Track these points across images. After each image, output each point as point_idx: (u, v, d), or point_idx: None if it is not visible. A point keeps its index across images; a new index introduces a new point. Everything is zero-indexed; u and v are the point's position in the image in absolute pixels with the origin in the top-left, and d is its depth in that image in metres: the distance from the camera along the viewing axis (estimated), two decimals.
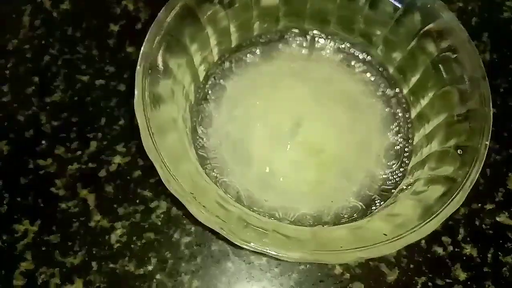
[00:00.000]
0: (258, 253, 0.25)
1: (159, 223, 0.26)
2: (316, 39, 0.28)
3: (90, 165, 0.27)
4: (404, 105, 0.26)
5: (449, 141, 0.21)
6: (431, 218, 0.18)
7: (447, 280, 0.25)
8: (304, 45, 0.28)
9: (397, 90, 0.27)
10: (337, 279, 0.25)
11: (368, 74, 0.28)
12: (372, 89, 0.27)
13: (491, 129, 0.20)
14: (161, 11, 0.22)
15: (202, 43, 0.25)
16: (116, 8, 0.31)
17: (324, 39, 0.28)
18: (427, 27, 0.23)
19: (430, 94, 0.24)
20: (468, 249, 0.26)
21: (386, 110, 0.27)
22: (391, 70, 0.27)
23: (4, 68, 0.29)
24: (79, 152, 0.27)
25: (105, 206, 0.26)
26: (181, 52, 0.23)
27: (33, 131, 0.28)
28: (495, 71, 0.30)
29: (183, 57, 0.24)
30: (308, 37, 0.28)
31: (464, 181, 0.19)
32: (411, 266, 0.25)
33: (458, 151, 0.21)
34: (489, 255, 0.26)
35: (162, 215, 0.26)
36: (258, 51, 0.28)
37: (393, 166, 0.25)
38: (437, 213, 0.19)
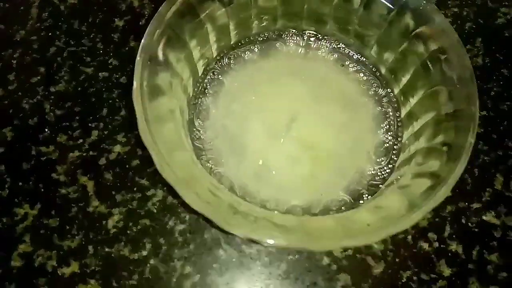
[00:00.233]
0: (249, 242, 0.26)
1: (155, 211, 0.26)
2: (313, 39, 0.29)
3: (90, 153, 0.28)
4: (395, 105, 0.27)
5: (436, 138, 0.22)
6: (414, 210, 0.19)
7: (432, 275, 0.26)
8: (301, 44, 0.29)
9: (389, 90, 0.28)
10: (324, 270, 0.25)
11: (362, 74, 0.28)
12: (365, 88, 0.28)
13: (476, 128, 0.21)
14: (162, 6, 0.23)
15: (202, 39, 0.26)
16: (122, 4, 0.33)
17: (320, 39, 0.29)
18: (418, 29, 0.24)
19: (420, 94, 0.25)
20: (454, 246, 0.26)
21: (377, 109, 0.27)
22: (383, 70, 0.28)
23: (11, 58, 0.30)
24: (80, 141, 0.28)
25: (104, 192, 0.27)
26: (181, 46, 0.24)
27: (37, 119, 0.29)
28: (487, 75, 0.31)
29: (183, 51, 0.25)
30: (305, 37, 0.29)
31: (448, 177, 0.20)
32: (397, 260, 0.26)
33: (444, 148, 0.21)
34: (474, 253, 0.26)
35: (158, 203, 0.27)
36: (256, 49, 0.29)
37: (382, 163, 0.26)
38: (421, 206, 0.19)
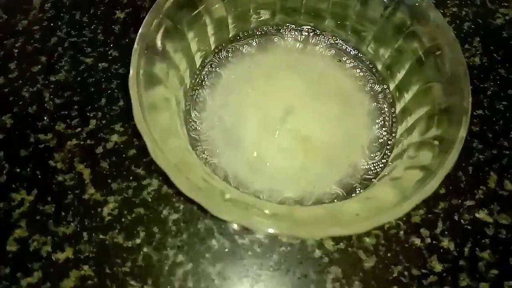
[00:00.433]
0: (241, 233, 0.26)
1: (150, 200, 0.27)
2: (311, 34, 0.30)
3: (88, 141, 0.28)
4: (390, 101, 0.27)
5: (429, 133, 0.22)
6: (404, 202, 0.19)
7: (423, 271, 0.26)
8: (299, 39, 0.30)
9: (385, 86, 0.28)
10: (316, 262, 0.26)
11: (358, 70, 0.29)
12: (361, 84, 0.28)
13: (468, 122, 0.21)
14: None
15: (200, 31, 0.26)
16: None
17: (318, 35, 0.29)
18: (414, 25, 0.25)
19: (414, 89, 0.25)
20: (446, 242, 0.26)
21: (373, 104, 0.28)
22: (379, 66, 0.28)
23: (13, 47, 0.31)
24: (78, 129, 0.28)
25: (100, 180, 0.27)
26: (178, 37, 0.25)
27: (36, 107, 0.29)
28: (484, 75, 0.31)
29: (180, 42, 0.25)
30: (303, 32, 0.30)
31: (438, 169, 0.20)
32: (389, 255, 0.26)
33: (435, 142, 0.21)
34: (466, 249, 0.26)
35: (153, 192, 0.27)
36: (254, 43, 0.29)
37: (376, 158, 0.26)
38: (410, 197, 0.19)
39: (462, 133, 0.21)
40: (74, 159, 0.28)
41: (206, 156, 0.26)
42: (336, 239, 0.26)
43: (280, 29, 0.30)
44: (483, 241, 0.27)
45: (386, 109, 0.27)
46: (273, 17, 0.29)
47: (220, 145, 0.26)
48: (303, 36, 0.30)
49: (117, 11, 0.32)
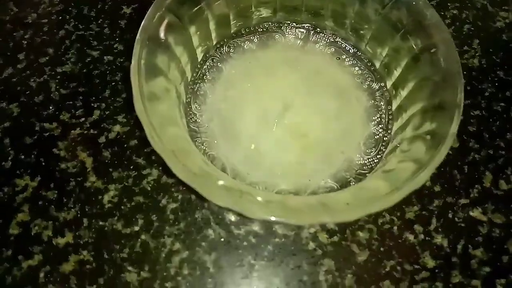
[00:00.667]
0: (237, 224, 0.26)
1: (149, 189, 0.27)
2: (311, 32, 0.30)
3: (91, 131, 0.29)
4: (387, 98, 0.28)
5: (422, 128, 0.23)
6: (394, 192, 0.20)
7: (416, 266, 0.26)
8: (299, 37, 0.30)
9: (382, 84, 0.28)
10: (310, 254, 0.26)
11: (357, 68, 0.29)
12: (359, 81, 0.29)
13: (460, 118, 0.22)
14: None
15: (201, 26, 0.27)
16: None
17: (319, 33, 0.30)
18: (411, 23, 0.25)
19: (410, 86, 0.25)
20: (439, 239, 0.27)
21: (370, 102, 0.28)
22: (378, 65, 0.28)
23: (22, 39, 0.32)
24: (82, 119, 0.29)
25: (101, 169, 0.28)
26: (180, 31, 0.25)
27: (43, 97, 0.30)
28: (482, 76, 0.32)
29: (182, 36, 0.26)
30: (303, 29, 0.30)
31: (429, 163, 0.20)
32: (382, 249, 0.26)
33: (428, 136, 0.22)
34: (459, 247, 0.27)
35: (152, 182, 0.28)
36: (255, 39, 0.30)
37: (371, 153, 0.26)
38: (400, 189, 0.20)
39: (454, 128, 0.21)
40: (77, 147, 0.28)
41: (204, 148, 0.27)
42: (330, 232, 0.27)
43: (281, 26, 0.30)
44: (476, 239, 0.27)
45: (383, 107, 0.28)
46: (274, 15, 0.30)
47: (218, 137, 0.27)
48: (304, 34, 0.30)
49: (123, 7, 0.33)
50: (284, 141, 0.27)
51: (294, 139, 0.27)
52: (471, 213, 0.27)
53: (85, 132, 0.29)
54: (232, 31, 0.29)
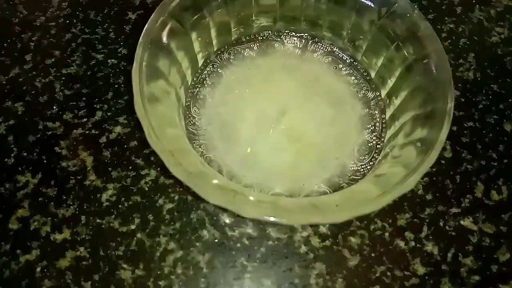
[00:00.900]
0: (232, 225, 0.27)
1: (147, 189, 0.28)
2: (309, 41, 0.31)
3: (93, 131, 0.30)
4: (381, 107, 0.29)
5: (413, 135, 0.23)
6: (383, 196, 0.20)
7: (406, 273, 0.26)
8: (298, 46, 0.31)
9: (377, 93, 0.29)
10: (301, 257, 0.26)
11: (353, 77, 0.30)
12: (355, 90, 0.29)
13: (449, 125, 0.22)
14: None
15: (203, 32, 0.28)
16: None
17: (317, 42, 0.31)
18: (405, 35, 0.26)
19: (403, 95, 0.26)
20: (430, 247, 0.27)
21: (365, 110, 0.29)
22: (373, 74, 0.29)
23: (30, 40, 0.33)
24: (85, 119, 0.30)
25: (101, 168, 0.29)
26: (182, 36, 0.26)
27: (47, 97, 0.31)
28: (476, 89, 0.32)
29: (183, 41, 0.27)
30: (302, 39, 0.31)
31: (418, 168, 0.21)
32: (373, 255, 0.27)
33: (418, 143, 0.23)
34: (449, 255, 0.27)
35: (150, 182, 0.28)
36: (255, 47, 0.31)
37: (364, 160, 0.27)
38: (389, 192, 0.20)
39: (443, 135, 0.22)
40: (78, 147, 0.29)
41: (202, 150, 0.27)
42: (322, 237, 0.27)
43: (281, 35, 0.31)
44: (466, 247, 0.27)
45: (377, 115, 0.28)
46: (274, 24, 0.31)
47: (216, 140, 0.28)
48: (302, 43, 0.31)
49: (129, 12, 0.34)
50: (280, 145, 0.28)
51: (290, 143, 0.28)
52: (462, 222, 0.28)
53: (87, 132, 0.30)
54: (232, 39, 0.30)
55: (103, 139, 0.30)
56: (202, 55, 0.29)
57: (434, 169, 0.29)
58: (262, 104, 0.29)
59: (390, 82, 0.27)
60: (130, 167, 0.29)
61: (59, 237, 0.27)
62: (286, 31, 0.31)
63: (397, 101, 0.27)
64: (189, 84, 0.29)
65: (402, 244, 0.27)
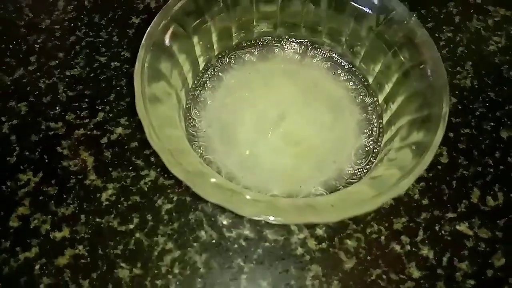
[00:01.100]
0: (229, 226, 0.27)
1: (146, 189, 0.28)
2: (309, 47, 0.32)
3: (94, 132, 0.30)
4: (379, 112, 0.29)
5: (408, 138, 0.24)
6: (377, 197, 0.21)
7: (401, 276, 0.27)
8: (298, 51, 0.32)
9: (375, 99, 0.29)
10: (298, 259, 0.27)
11: (351, 83, 0.30)
12: (353, 96, 0.30)
13: (444, 129, 0.23)
14: (170, 0, 0.26)
15: (204, 37, 0.29)
16: (140, 4, 0.36)
17: (316, 48, 0.32)
18: (403, 41, 0.26)
19: (399, 100, 0.26)
20: (425, 251, 0.27)
21: (363, 115, 0.29)
22: (370, 80, 0.30)
23: (35, 42, 0.33)
24: (86, 120, 0.31)
25: (101, 168, 0.29)
26: (184, 40, 0.27)
27: (50, 97, 0.31)
28: (474, 96, 0.33)
29: (185, 44, 0.27)
30: (302, 45, 0.32)
31: (413, 171, 0.21)
32: (369, 258, 0.27)
33: (413, 146, 0.23)
34: (445, 259, 0.27)
35: (149, 183, 0.29)
36: (256, 52, 0.31)
37: (361, 164, 0.27)
38: (384, 193, 0.21)
39: (438, 138, 0.22)
40: (80, 147, 0.30)
41: (201, 151, 0.28)
42: (319, 239, 0.27)
43: (281, 41, 0.32)
44: (462, 252, 0.27)
45: (374, 120, 0.29)
46: (274, 30, 0.31)
47: (215, 142, 0.28)
48: (302, 49, 0.32)
49: (133, 17, 0.35)
50: (278, 148, 0.28)
51: (288, 146, 0.28)
52: (457, 227, 0.28)
53: (89, 132, 0.30)
54: (233, 43, 0.31)
55: (104, 140, 0.30)
56: (203, 58, 0.30)
57: (431, 174, 0.29)
58: (261, 108, 0.29)
59: (387, 88, 0.28)
60: (130, 168, 0.29)
61: (58, 235, 0.27)
62: (286, 37, 0.32)
63: (394, 106, 0.27)
64: (190, 87, 0.29)
65: (398, 247, 0.27)
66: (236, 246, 0.27)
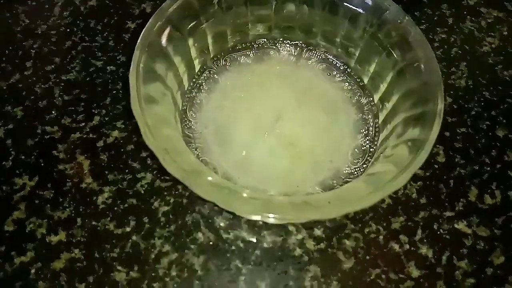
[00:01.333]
0: (226, 228, 0.27)
1: (143, 192, 0.28)
2: (304, 49, 0.32)
3: (90, 135, 0.30)
4: (374, 112, 0.29)
5: (404, 135, 0.24)
6: (373, 193, 0.21)
7: (400, 275, 0.26)
8: (293, 53, 0.32)
9: (370, 99, 0.30)
10: (296, 260, 0.26)
11: (347, 84, 0.30)
12: (349, 96, 0.30)
13: (440, 126, 0.23)
14: (165, 2, 0.26)
15: (200, 39, 0.29)
16: (136, 9, 0.36)
17: (311, 50, 0.32)
18: (396, 40, 0.26)
19: (394, 99, 0.26)
20: (424, 250, 0.27)
21: (359, 115, 0.29)
22: (365, 80, 0.30)
23: (31, 48, 0.33)
24: (83, 124, 0.31)
25: (97, 171, 0.29)
26: (179, 42, 0.27)
27: (46, 102, 0.31)
28: (469, 96, 0.33)
29: (181, 46, 0.27)
30: (297, 47, 0.32)
31: (408, 167, 0.21)
32: (367, 257, 0.27)
33: (409, 143, 0.23)
34: (444, 258, 0.27)
35: (146, 185, 0.28)
36: (251, 54, 0.32)
37: (358, 164, 0.27)
38: (380, 189, 0.21)
39: (434, 134, 0.22)
40: (76, 150, 0.30)
41: (198, 153, 0.28)
42: (317, 239, 0.27)
43: (276, 43, 0.32)
44: (461, 250, 0.27)
45: (370, 120, 0.29)
46: (269, 32, 0.31)
47: (211, 143, 0.28)
48: (297, 51, 0.32)
49: (128, 22, 0.35)
50: (275, 149, 0.28)
51: (285, 147, 0.28)
52: (456, 226, 0.28)
53: (85, 136, 0.30)
54: (229, 46, 0.31)
55: (100, 143, 0.30)
56: (199, 61, 0.30)
57: (428, 174, 0.29)
58: (257, 109, 0.29)
59: (382, 87, 0.28)
60: (127, 171, 0.29)
61: (54, 239, 0.27)
62: (281, 39, 0.32)
63: (389, 105, 0.27)
64: (185, 89, 0.29)
65: (396, 247, 0.27)
66: (233, 247, 0.27)
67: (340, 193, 0.22)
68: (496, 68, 0.34)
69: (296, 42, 0.32)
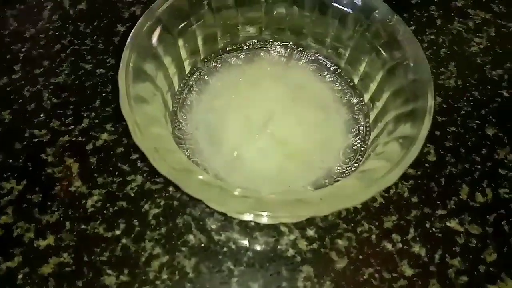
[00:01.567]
0: (218, 230, 0.27)
1: (132, 194, 0.28)
2: (294, 50, 0.32)
3: (79, 138, 0.30)
4: (365, 112, 0.29)
5: (395, 132, 0.24)
6: (365, 190, 0.21)
7: (394, 274, 0.26)
8: (284, 54, 0.32)
9: (361, 98, 0.30)
10: (289, 260, 0.26)
11: (337, 84, 0.31)
12: (339, 96, 0.30)
13: (430, 122, 0.23)
14: (155, 2, 0.26)
15: (190, 40, 0.29)
16: (125, 12, 0.36)
17: (302, 51, 0.32)
18: (386, 40, 0.27)
19: (385, 97, 0.26)
20: (417, 248, 0.27)
21: (350, 115, 0.29)
22: (356, 80, 0.30)
23: (19, 51, 0.33)
24: (71, 127, 0.30)
25: (87, 174, 0.28)
26: (169, 42, 0.27)
27: (35, 105, 0.31)
28: (458, 95, 0.33)
29: (170, 47, 0.27)
30: (287, 48, 0.32)
31: (399, 164, 0.21)
32: (360, 257, 0.27)
33: (400, 140, 0.23)
34: (437, 256, 0.27)
35: (136, 188, 0.28)
36: (242, 55, 0.32)
37: (349, 163, 0.27)
38: (371, 186, 0.21)
39: (424, 131, 0.22)
40: (64, 153, 0.29)
41: (188, 154, 0.27)
42: (310, 240, 0.27)
43: (267, 44, 0.32)
44: (453, 248, 0.27)
45: (361, 119, 0.29)
46: (260, 33, 0.31)
47: (202, 144, 0.28)
48: (287, 52, 0.32)
49: (118, 25, 0.35)
50: (266, 149, 0.28)
51: (276, 147, 0.28)
52: (448, 224, 0.28)
53: (74, 139, 0.30)
54: (219, 47, 0.31)
55: (89, 146, 0.30)
56: (189, 62, 0.30)
57: (419, 172, 0.29)
58: (248, 110, 0.29)
59: (373, 86, 0.28)
60: (116, 173, 0.29)
61: (42, 244, 0.26)
62: (272, 40, 0.32)
63: (379, 104, 0.27)
64: (176, 90, 0.29)
65: (389, 246, 0.27)
66: (225, 249, 0.26)
67: (332, 190, 0.22)
68: (485, 68, 0.35)
69: (287, 43, 0.32)
